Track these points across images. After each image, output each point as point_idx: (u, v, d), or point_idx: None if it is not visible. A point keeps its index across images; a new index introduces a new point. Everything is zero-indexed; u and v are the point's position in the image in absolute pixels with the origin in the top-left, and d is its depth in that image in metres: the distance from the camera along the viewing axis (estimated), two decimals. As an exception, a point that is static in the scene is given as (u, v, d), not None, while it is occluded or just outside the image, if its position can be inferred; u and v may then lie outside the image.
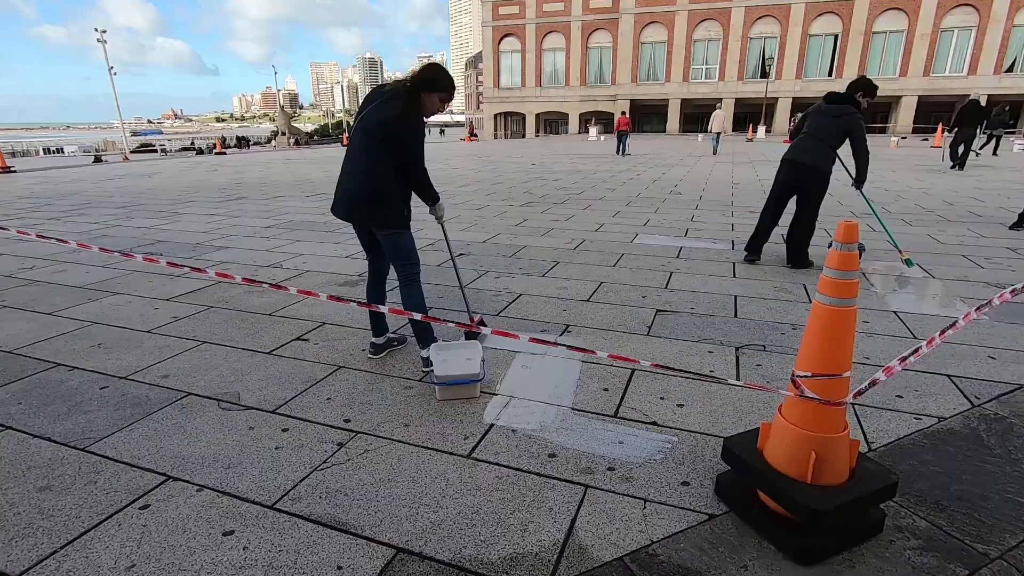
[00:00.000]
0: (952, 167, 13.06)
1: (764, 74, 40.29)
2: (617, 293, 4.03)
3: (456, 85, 2.64)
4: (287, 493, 1.89)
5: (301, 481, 1.96)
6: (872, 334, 3.25)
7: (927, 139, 29.73)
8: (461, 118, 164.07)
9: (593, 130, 32.63)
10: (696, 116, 45.86)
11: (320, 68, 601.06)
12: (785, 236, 4.71)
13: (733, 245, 5.51)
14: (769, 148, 22.70)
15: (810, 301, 3.81)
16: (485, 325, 2.91)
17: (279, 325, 3.44)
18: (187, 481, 1.96)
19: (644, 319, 3.51)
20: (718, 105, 30.09)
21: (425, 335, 2.76)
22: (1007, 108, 17.41)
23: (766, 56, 40.31)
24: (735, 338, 3.19)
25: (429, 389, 2.62)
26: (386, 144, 2.46)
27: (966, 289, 4.12)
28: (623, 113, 20.82)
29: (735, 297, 3.91)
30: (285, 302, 3.85)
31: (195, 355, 3.01)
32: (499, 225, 6.60)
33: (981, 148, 16.97)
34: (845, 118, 4.22)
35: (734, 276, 4.44)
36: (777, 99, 40.54)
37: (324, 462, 2.06)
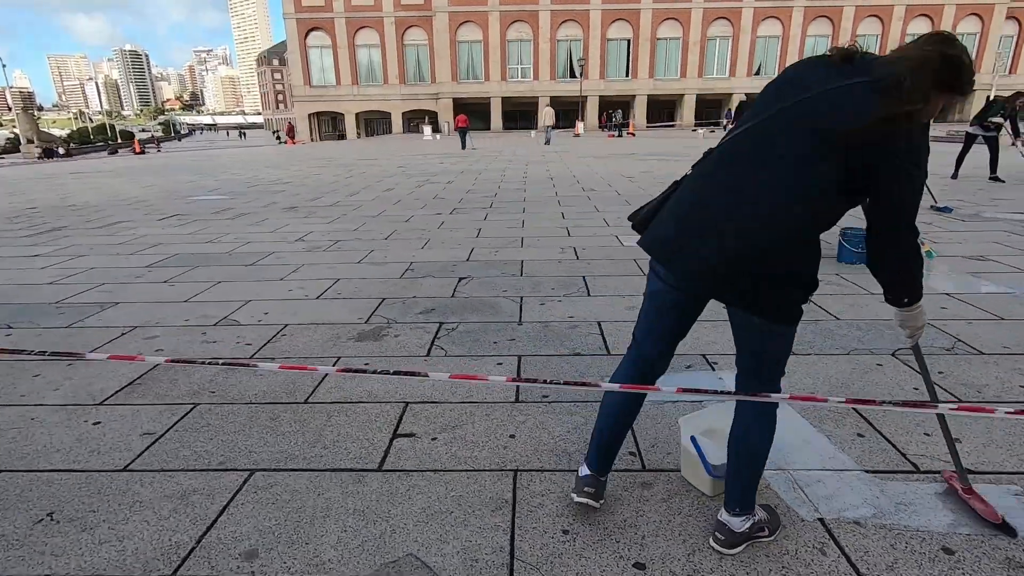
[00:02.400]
0: None
1: (573, 74, 43.42)
2: (710, 307, 3.59)
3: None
4: None
5: None
6: (970, 320, 3.29)
7: (714, 130, 34.72)
8: (259, 119, 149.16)
9: (427, 129, 31.90)
10: (515, 114, 47.68)
11: (63, 61, 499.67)
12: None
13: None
14: (596, 143, 24.37)
15: (865, 290, 3.81)
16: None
17: (341, 418, 2.34)
18: None
19: (762, 335, 3.13)
20: (548, 102, 31.72)
21: (748, 494, 1.58)
22: None
23: (574, 57, 43.42)
24: (873, 344, 2.98)
25: (677, 483, 1.91)
26: (838, 163, 1.26)
27: (955, 264, 4.53)
28: (462, 113, 21.90)
29: (805, 296, 3.75)
30: (305, 380, 2.69)
31: (259, 499, 1.85)
32: (457, 238, 5.73)
33: None
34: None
35: (769, 273, 4.31)
36: (587, 97, 43.86)
37: (710, 659, 1.28)
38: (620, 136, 29.43)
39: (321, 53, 44.94)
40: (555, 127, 25.85)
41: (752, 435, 1.55)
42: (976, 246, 5.06)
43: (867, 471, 1.95)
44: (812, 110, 1.29)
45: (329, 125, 51.36)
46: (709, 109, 45.47)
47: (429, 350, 3.01)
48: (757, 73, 45.25)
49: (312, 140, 45.84)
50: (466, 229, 6.16)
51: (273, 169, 15.05)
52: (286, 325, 3.41)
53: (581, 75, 41.20)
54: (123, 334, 3.32)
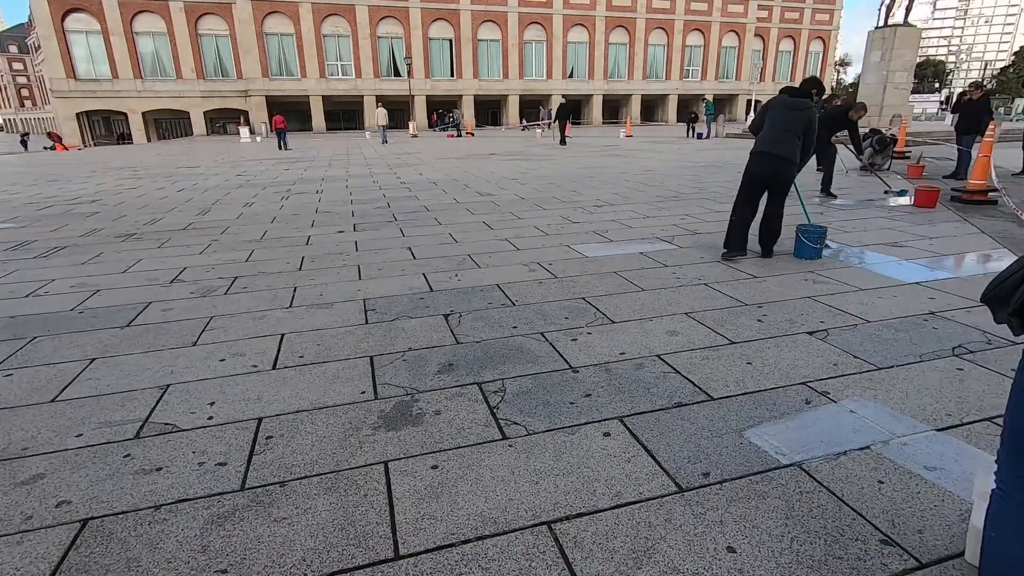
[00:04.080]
0: (563, 145, 19.89)
1: (398, 73, 42.16)
2: (750, 324, 3.31)
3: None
4: None
5: None
6: (968, 309, 3.49)
7: (548, 127, 36.28)
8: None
9: (244, 130, 28.30)
10: (338, 114, 44.86)
11: None
12: (759, 229, 4.76)
13: (672, 241, 5.33)
14: (432, 143, 23.87)
15: (855, 286, 3.82)
16: None
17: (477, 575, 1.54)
18: None
19: (838, 347, 2.94)
20: (377, 102, 30.19)
21: None
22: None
23: (398, 56, 42.09)
24: (930, 345, 2.96)
25: (981, 576, 1.52)
26: None
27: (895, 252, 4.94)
28: (278, 112, 21.32)
29: (809, 298, 3.70)
30: (361, 509, 1.79)
31: None
32: (393, 262, 4.78)
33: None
34: (808, 111, 4.42)
35: (756, 278, 4.23)
36: (414, 97, 42.84)
37: None
38: (460, 136, 29.17)
39: (88, 40, 37.29)
40: (388, 127, 25.07)
41: None
42: (860, 236, 5.64)
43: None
44: None
45: (102, 126, 42.97)
46: (531, 109, 47.58)
47: (500, 429, 2.25)
48: (571, 76, 48.56)
49: (85, 145, 37.85)
50: (393, 250, 5.22)
51: (61, 183, 11.79)
52: (261, 420, 2.34)
53: (408, 74, 40.13)
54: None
